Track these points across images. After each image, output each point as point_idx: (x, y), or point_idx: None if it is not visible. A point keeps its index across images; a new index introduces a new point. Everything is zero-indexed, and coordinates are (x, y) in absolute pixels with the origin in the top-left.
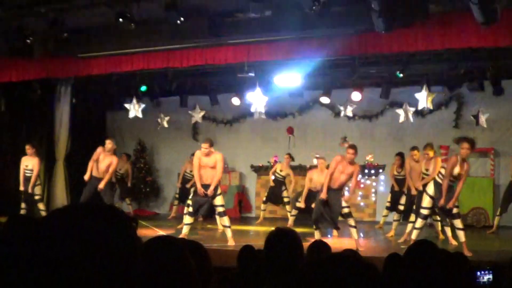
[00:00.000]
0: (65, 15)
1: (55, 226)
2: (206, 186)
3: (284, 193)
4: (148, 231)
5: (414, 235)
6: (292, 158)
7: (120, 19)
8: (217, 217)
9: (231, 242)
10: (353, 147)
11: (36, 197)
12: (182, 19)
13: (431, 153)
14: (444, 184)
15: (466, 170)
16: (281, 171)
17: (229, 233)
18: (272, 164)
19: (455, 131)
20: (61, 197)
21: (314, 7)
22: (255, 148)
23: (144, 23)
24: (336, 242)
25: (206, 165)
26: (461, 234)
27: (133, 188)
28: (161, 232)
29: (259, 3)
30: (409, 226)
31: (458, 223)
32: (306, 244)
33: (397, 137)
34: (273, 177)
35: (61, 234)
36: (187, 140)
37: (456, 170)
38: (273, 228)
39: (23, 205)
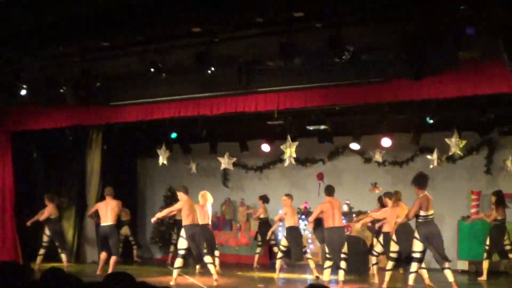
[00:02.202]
0: (98, 65)
1: None
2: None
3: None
4: (179, 279)
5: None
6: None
7: (151, 69)
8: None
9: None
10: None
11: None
12: (212, 68)
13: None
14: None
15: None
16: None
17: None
18: (302, 210)
19: (487, 176)
20: (91, 243)
21: (343, 56)
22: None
23: (174, 71)
24: None
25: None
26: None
27: (164, 234)
28: (191, 279)
29: (289, 52)
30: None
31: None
32: None
33: (429, 183)
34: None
35: None
36: (217, 186)
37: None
38: (300, 276)
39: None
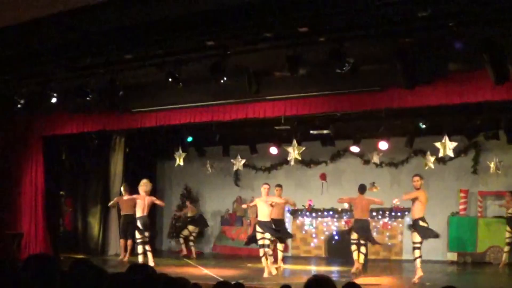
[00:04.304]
0: (121, 75)
1: None
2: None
3: None
4: (195, 270)
5: None
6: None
7: (169, 79)
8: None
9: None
10: None
11: None
12: (225, 78)
13: None
14: None
15: None
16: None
17: None
18: (307, 207)
19: (473, 176)
20: (114, 237)
21: (344, 67)
22: (291, 193)
23: (190, 81)
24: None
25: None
26: None
27: (181, 230)
28: (205, 271)
29: (295, 63)
30: None
31: None
32: None
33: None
34: None
35: None
36: (229, 185)
37: None
38: (305, 267)
39: None
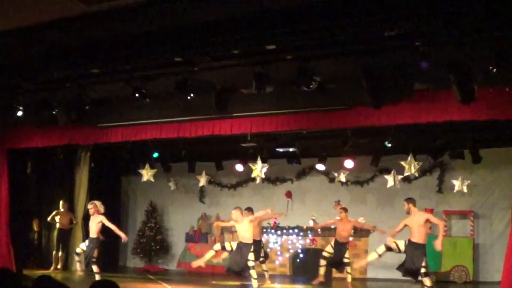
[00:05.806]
0: (87, 90)
1: None
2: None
3: None
4: (158, 286)
5: None
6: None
7: (136, 94)
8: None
9: None
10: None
11: None
12: (192, 94)
13: None
14: None
15: None
16: None
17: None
18: (272, 225)
19: (439, 195)
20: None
21: (311, 85)
22: (257, 210)
23: (157, 97)
24: None
25: None
26: None
27: (145, 245)
28: (169, 287)
29: (262, 80)
30: None
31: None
32: None
33: (386, 202)
34: None
35: None
36: (194, 202)
37: None
38: (269, 286)
39: None
